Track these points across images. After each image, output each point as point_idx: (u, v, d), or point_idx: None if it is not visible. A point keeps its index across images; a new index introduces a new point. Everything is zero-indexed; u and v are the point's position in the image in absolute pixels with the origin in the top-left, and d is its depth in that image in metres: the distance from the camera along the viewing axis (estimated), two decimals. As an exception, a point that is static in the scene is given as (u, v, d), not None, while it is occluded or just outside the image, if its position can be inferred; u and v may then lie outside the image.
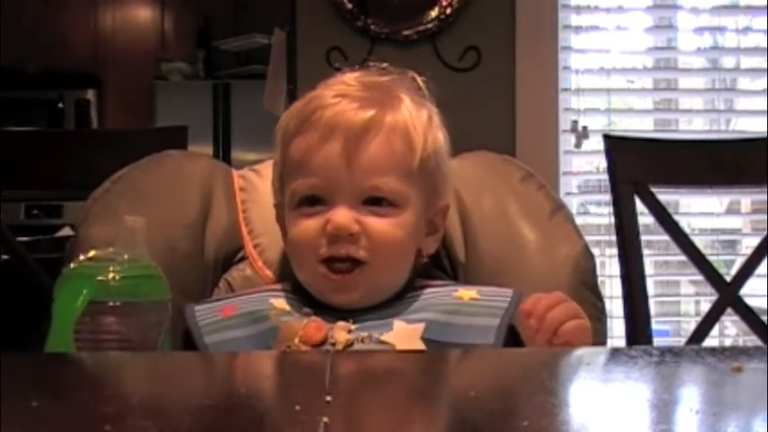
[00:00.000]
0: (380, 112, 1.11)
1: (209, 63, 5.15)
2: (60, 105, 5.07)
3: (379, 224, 1.09)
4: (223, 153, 4.79)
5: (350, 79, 1.15)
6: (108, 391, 0.74)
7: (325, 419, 0.60)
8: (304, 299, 1.13)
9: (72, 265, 0.98)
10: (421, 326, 1.07)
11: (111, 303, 0.94)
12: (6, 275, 1.73)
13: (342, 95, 1.11)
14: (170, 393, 0.75)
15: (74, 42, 5.23)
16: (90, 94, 5.17)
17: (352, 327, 1.08)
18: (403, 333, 1.07)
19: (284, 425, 0.65)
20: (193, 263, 1.22)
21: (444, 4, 2.70)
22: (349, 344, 1.06)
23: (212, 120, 4.89)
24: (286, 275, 1.20)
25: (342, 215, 1.07)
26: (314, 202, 1.10)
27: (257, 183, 1.29)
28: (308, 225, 1.09)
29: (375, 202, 1.09)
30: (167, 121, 4.35)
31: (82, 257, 0.99)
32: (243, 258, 1.24)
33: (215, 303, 1.15)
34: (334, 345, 1.05)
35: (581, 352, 0.97)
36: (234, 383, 0.84)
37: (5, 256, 1.68)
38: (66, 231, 3.01)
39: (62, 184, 1.69)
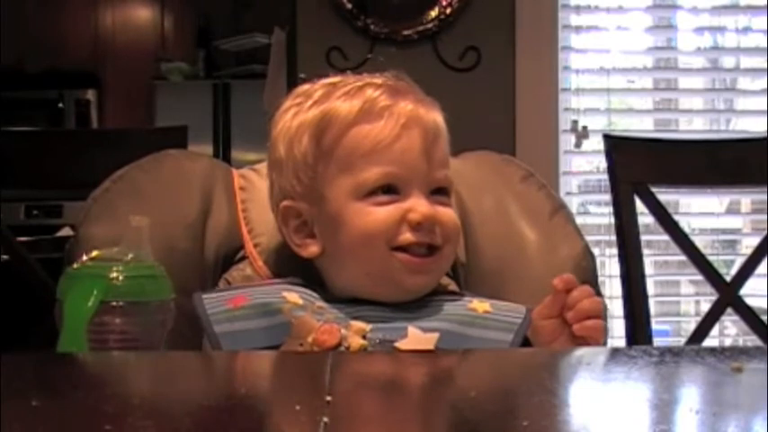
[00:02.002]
0: (435, 108, 1.15)
1: (209, 63, 5.15)
2: (60, 105, 5.08)
3: (448, 213, 1.13)
4: (223, 153, 4.80)
5: (378, 78, 1.16)
6: (108, 391, 0.74)
7: (325, 419, 0.60)
8: (316, 293, 1.12)
9: (75, 266, 0.98)
10: (435, 335, 1.07)
11: (116, 303, 0.93)
12: (6, 275, 1.72)
13: (394, 89, 1.14)
14: (170, 393, 0.75)
15: (74, 42, 5.23)
16: (90, 94, 5.17)
17: (367, 329, 1.07)
18: (417, 341, 1.06)
19: (284, 425, 0.65)
20: (193, 262, 1.22)
21: (444, 4, 2.70)
22: (363, 349, 1.05)
23: (212, 120, 4.89)
24: (284, 274, 1.19)
25: (425, 205, 1.10)
26: (386, 191, 1.10)
27: (257, 182, 1.28)
28: (386, 213, 1.09)
29: (438, 192, 1.13)
30: (167, 121, 4.35)
31: (85, 257, 0.98)
32: (243, 258, 1.24)
33: (222, 293, 1.14)
34: (348, 349, 1.05)
35: (581, 352, 0.97)
36: (234, 383, 0.84)
37: (5, 256, 1.68)
38: (67, 231, 3.00)
39: (62, 184, 1.69)
